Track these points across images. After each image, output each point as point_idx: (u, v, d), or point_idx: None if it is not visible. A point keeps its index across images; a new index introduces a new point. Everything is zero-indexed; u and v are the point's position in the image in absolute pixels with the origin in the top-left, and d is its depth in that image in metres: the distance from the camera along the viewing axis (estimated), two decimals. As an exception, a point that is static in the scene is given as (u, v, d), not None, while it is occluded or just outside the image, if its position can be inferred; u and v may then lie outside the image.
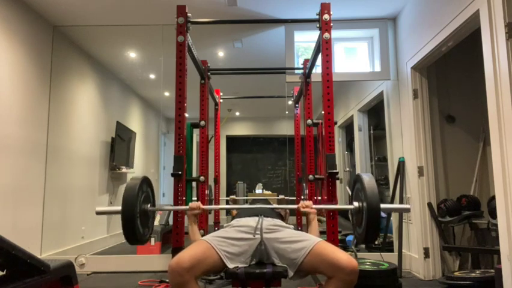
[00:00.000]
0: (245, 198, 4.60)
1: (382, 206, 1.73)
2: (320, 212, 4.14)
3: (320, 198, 3.34)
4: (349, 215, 3.90)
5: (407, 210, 1.97)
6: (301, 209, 2.00)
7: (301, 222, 4.02)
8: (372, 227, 1.73)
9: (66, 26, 4.03)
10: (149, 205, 1.92)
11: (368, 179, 1.78)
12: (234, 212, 3.85)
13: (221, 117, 4.72)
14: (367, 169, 5.04)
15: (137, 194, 1.78)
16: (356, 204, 1.89)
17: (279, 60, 4.05)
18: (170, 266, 1.51)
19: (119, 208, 1.73)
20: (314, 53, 2.84)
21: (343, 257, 1.53)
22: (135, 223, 1.74)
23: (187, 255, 1.55)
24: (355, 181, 1.94)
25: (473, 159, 3.59)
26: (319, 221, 4.44)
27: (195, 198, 3.40)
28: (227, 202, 4.70)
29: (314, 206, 2.02)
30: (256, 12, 3.70)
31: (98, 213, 1.88)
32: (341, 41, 4.08)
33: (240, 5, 3.57)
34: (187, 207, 1.98)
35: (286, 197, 3.90)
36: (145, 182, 1.90)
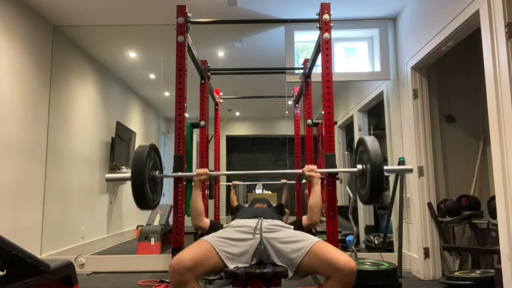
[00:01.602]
0: (246, 183, 4.59)
1: (385, 167, 1.77)
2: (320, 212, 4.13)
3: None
4: (349, 215, 3.90)
5: (410, 170, 2.03)
6: (306, 173, 2.06)
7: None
8: (376, 187, 1.77)
9: (66, 26, 4.03)
10: (157, 172, 1.98)
11: (371, 141, 1.82)
12: (235, 201, 3.85)
13: (221, 117, 4.72)
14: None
15: (146, 160, 1.84)
16: (359, 166, 1.94)
17: (279, 60, 4.05)
18: (171, 265, 1.51)
19: (128, 174, 1.80)
20: (314, 53, 2.84)
21: (341, 257, 1.53)
22: (144, 188, 1.81)
23: (188, 255, 1.55)
24: (358, 144, 1.99)
25: (473, 159, 3.59)
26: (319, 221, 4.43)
27: None
28: (227, 187, 4.70)
29: (318, 170, 2.07)
30: (256, 12, 3.70)
31: (108, 179, 1.96)
32: (341, 41, 4.08)
33: (240, 5, 3.57)
34: (195, 173, 2.07)
35: (287, 181, 3.93)
36: (153, 149, 1.97)
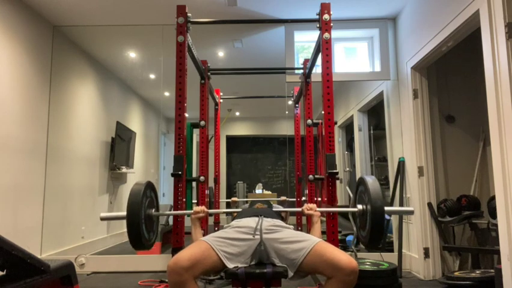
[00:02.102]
0: (245, 200, 4.60)
1: (386, 208, 1.73)
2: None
3: (319, 199, 3.34)
4: (349, 215, 3.90)
5: (411, 212, 1.96)
6: (306, 212, 2.03)
7: (301, 223, 4.02)
8: (376, 230, 1.73)
9: (66, 26, 4.03)
10: (153, 210, 1.93)
11: (372, 182, 1.78)
12: (235, 214, 3.84)
13: (221, 117, 4.72)
14: (367, 169, 5.03)
15: (142, 199, 1.79)
16: (359, 207, 1.89)
17: (279, 60, 4.05)
18: (169, 265, 1.51)
19: (124, 214, 1.75)
20: (314, 53, 2.84)
21: (343, 257, 1.53)
22: (140, 228, 1.76)
23: (186, 254, 1.55)
24: (358, 183, 1.94)
25: (473, 159, 3.59)
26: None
27: (195, 201, 3.40)
28: (227, 204, 4.69)
29: (318, 209, 2.03)
30: (256, 12, 3.70)
31: (103, 219, 1.89)
32: (341, 41, 4.08)
33: (240, 5, 3.57)
34: (192, 211, 2.01)
35: (287, 199, 3.90)
36: (149, 187, 1.91)
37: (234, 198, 4.02)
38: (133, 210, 1.75)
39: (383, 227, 1.75)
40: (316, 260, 1.60)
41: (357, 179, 1.97)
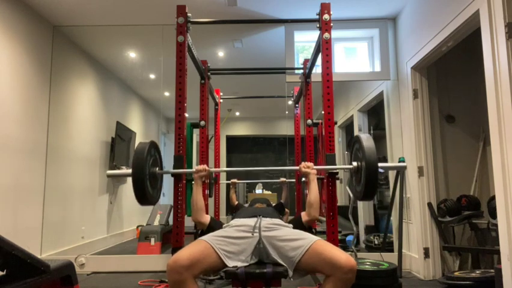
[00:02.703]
0: (246, 181, 4.58)
1: (380, 164, 1.82)
2: (320, 212, 4.11)
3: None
4: (349, 214, 3.90)
5: (404, 168, 2.07)
6: (303, 169, 2.12)
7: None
8: (370, 184, 1.82)
9: (66, 26, 4.03)
10: (157, 168, 2.02)
11: (366, 138, 1.86)
12: (235, 200, 3.84)
13: (221, 117, 4.72)
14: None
15: (146, 157, 1.88)
16: (354, 163, 1.99)
17: (279, 60, 4.05)
18: (169, 264, 1.51)
19: (129, 171, 1.84)
20: (314, 53, 2.84)
21: (341, 255, 1.53)
22: (145, 184, 1.85)
23: (185, 253, 1.56)
24: (354, 142, 2.03)
25: (473, 159, 3.59)
26: (319, 221, 4.44)
27: None
28: (227, 185, 4.70)
29: (315, 167, 2.13)
30: (256, 12, 3.70)
31: (109, 175, 2.03)
32: (341, 41, 4.08)
33: (240, 5, 3.57)
34: (194, 169, 2.10)
35: (286, 180, 3.90)
36: (153, 146, 2.01)
37: (233, 180, 4.03)
38: (138, 167, 1.84)
39: (377, 181, 1.84)
40: (315, 258, 1.60)
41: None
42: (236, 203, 3.67)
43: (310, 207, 2.07)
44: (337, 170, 2.20)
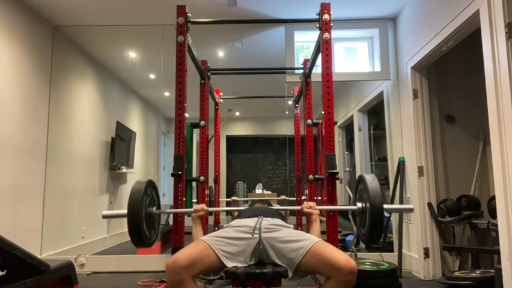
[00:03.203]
0: (246, 199, 4.59)
1: (385, 206, 1.74)
2: (320, 211, 4.10)
3: (319, 198, 3.34)
4: (349, 215, 3.90)
5: (411, 210, 1.97)
6: (305, 210, 2.01)
7: (301, 222, 4.01)
8: (376, 228, 1.73)
9: (66, 26, 4.03)
10: (154, 208, 1.93)
11: (371, 179, 1.79)
12: (236, 212, 3.84)
13: (221, 117, 4.72)
14: (367, 169, 5.04)
15: (143, 197, 1.79)
16: (359, 204, 1.89)
17: (279, 60, 4.05)
18: (168, 264, 1.52)
19: (125, 212, 1.75)
20: (314, 53, 2.84)
21: (341, 257, 1.53)
22: (141, 226, 1.76)
23: (184, 254, 1.56)
24: (358, 181, 1.95)
25: (473, 159, 3.59)
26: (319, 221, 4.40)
27: (195, 200, 3.40)
28: (227, 203, 4.68)
29: (318, 207, 2.02)
30: (256, 12, 3.70)
31: (105, 216, 1.90)
32: (341, 41, 4.08)
33: (240, 5, 3.57)
34: (192, 209, 2.01)
35: (287, 198, 3.89)
36: (150, 185, 1.92)
37: (234, 198, 4.02)
38: (133, 208, 1.75)
39: (383, 224, 1.75)
40: (315, 259, 1.60)
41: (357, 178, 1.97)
42: (236, 214, 3.68)
43: None
44: (338, 169, 2.18)
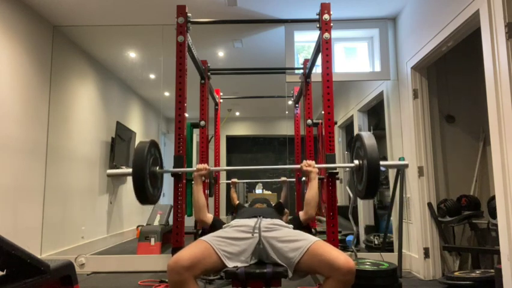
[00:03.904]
0: (245, 181, 4.56)
1: (381, 162, 1.81)
2: (320, 212, 4.12)
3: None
4: (349, 215, 3.90)
5: (405, 166, 2.07)
6: (304, 168, 2.10)
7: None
8: (372, 182, 1.81)
9: (66, 26, 4.03)
10: (157, 167, 2.02)
11: (368, 136, 1.85)
12: (236, 199, 3.84)
13: (221, 117, 4.72)
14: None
15: (146, 156, 1.88)
16: (356, 162, 1.97)
17: (279, 60, 4.05)
18: (169, 264, 1.51)
19: (130, 170, 1.84)
20: (314, 53, 2.84)
21: (340, 256, 1.53)
22: (145, 184, 1.85)
23: (186, 254, 1.55)
24: (355, 140, 2.02)
25: (473, 159, 3.59)
26: (319, 221, 4.44)
27: None
28: (227, 185, 4.68)
29: (316, 165, 2.12)
30: (256, 12, 3.70)
31: (109, 175, 2.02)
32: (341, 41, 4.08)
33: (240, 5, 3.57)
34: (195, 168, 2.11)
35: (287, 179, 3.88)
36: (153, 145, 2.01)
37: (234, 180, 4.03)
38: (138, 166, 1.84)
39: (379, 179, 1.83)
40: (313, 259, 1.60)
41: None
42: (237, 202, 3.67)
43: (308, 205, 2.07)
44: (338, 169, 2.20)
